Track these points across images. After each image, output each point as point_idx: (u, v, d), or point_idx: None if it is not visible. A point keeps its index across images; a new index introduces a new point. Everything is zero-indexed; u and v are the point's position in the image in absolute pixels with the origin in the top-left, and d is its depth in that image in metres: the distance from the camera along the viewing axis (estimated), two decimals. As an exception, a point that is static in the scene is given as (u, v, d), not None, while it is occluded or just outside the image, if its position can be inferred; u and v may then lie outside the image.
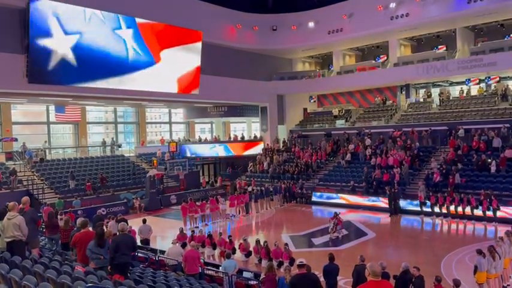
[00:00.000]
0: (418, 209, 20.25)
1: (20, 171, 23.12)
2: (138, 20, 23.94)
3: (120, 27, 23.19)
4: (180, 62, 26.35)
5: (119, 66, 23.60)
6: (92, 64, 22.34)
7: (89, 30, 21.90)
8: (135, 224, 15.99)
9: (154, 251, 12.87)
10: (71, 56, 21.53)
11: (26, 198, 8.59)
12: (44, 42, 20.49)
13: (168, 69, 25.87)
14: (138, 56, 24.28)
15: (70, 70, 21.63)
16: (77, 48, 21.64)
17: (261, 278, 9.37)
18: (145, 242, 14.52)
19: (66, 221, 11.00)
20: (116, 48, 23.21)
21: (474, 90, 28.51)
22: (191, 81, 27.30)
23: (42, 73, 20.77)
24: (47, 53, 20.67)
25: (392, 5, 26.92)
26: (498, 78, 27.21)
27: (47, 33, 20.51)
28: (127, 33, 23.57)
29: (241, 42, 31.15)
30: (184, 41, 26.36)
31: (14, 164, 23.71)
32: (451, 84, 30.21)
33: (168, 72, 25.98)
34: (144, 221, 15.06)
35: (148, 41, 24.62)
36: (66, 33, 21.14)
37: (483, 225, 17.83)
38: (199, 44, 27.02)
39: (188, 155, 31.60)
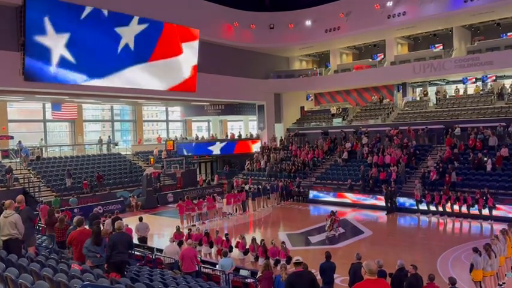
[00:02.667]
0: (415, 207, 20.34)
1: (16, 169, 23.03)
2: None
3: (124, 24, 23.16)
4: (176, 61, 26.28)
5: (114, 63, 23.50)
6: (88, 62, 22.24)
7: (85, 27, 21.79)
8: (131, 222, 15.96)
9: (151, 249, 12.86)
10: (67, 54, 21.43)
11: (21, 197, 8.54)
12: (40, 39, 20.38)
13: (166, 69, 25.82)
14: (132, 53, 24.09)
15: (67, 68, 21.54)
16: (74, 46, 21.55)
17: (258, 276, 9.39)
18: (143, 240, 14.52)
19: (62, 219, 10.95)
20: (112, 46, 23.11)
21: (471, 89, 28.60)
22: (188, 80, 27.23)
23: (38, 71, 20.67)
24: (43, 50, 20.56)
25: (390, 3, 26.93)
26: (494, 77, 27.29)
27: (43, 31, 20.40)
28: (128, 30, 23.51)
29: (239, 40, 31.10)
30: (180, 39, 26.30)
31: (10, 162, 23.60)
32: (448, 82, 30.28)
33: (166, 71, 25.92)
34: (141, 219, 15.08)
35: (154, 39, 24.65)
36: (64, 30, 21.04)
37: (479, 224, 17.92)
38: (196, 43, 26.95)
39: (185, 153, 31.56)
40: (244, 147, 33.10)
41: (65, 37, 21.21)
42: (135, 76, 24.54)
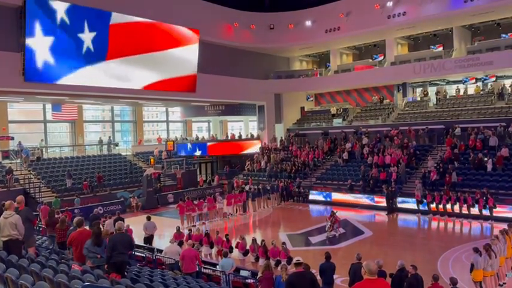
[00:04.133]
0: (415, 207, 20.32)
1: (17, 170, 23.04)
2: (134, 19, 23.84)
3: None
4: (176, 61, 26.27)
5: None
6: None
7: (86, 28, 21.82)
8: (132, 222, 15.98)
9: (151, 249, 12.87)
10: (67, 54, 21.45)
11: (20, 197, 8.54)
12: (40, 40, 20.40)
13: (165, 68, 25.82)
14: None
15: (66, 68, 21.56)
16: (74, 46, 21.57)
17: (258, 276, 9.38)
18: (150, 238, 14.85)
19: (63, 220, 10.95)
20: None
21: (471, 89, 28.59)
22: (188, 80, 27.25)
23: (39, 71, 20.69)
24: (43, 51, 20.57)
25: (390, 3, 26.94)
26: (495, 77, 27.29)
27: (44, 31, 20.42)
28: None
29: (239, 40, 31.12)
30: (180, 40, 26.29)
31: (11, 163, 23.61)
32: (448, 83, 30.27)
33: (166, 71, 25.93)
34: (149, 218, 15.32)
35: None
36: (63, 31, 21.06)
37: (479, 224, 17.90)
38: (196, 43, 26.95)
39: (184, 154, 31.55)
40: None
41: (66, 37, 21.22)
42: (137, 77, 24.54)
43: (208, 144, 32.14)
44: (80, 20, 21.62)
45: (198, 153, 31.47)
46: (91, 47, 22.50)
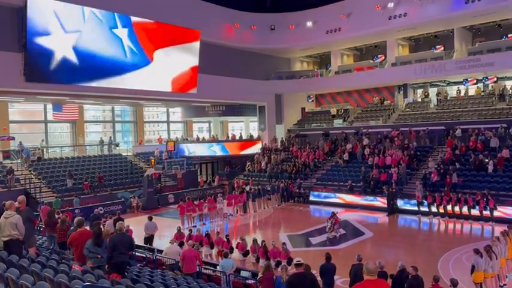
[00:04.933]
0: (416, 208, 20.30)
1: (17, 170, 23.05)
2: (134, 19, 23.85)
3: (116, 26, 23.10)
4: (176, 61, 26.32)
5: (116, 66, 23.55)
6: (90, 63, 22.30)
7: (86, 29, 21.86)
8: (132, 223, 15.99)
9: (151, 250, 12.87)
10: (68, 55, 21.48)
11: (22, 197, 8.56)
12: (41, 40, 20.43)
13: (165, 69, 25.85)
14: (134, 56, 24.20)
15: (68, 69, 21.58)
16: (74, 47, 21.58)
17: (259, 277, 9.38)
18: (151, 238, 14.88)
19: (63, 220, 10.96)
20: (112, 48, 23.16)
21: (472, 90, 28.58)
22: (188, 81, 27.28)
23: (40, 72, 20.72)
24: (44, 51, 20.61)
25: (391, 4, 26.94)
26: (495, 79, 27.29)
27: (45, 32, 20.45)
28: (123, 32, 23.47)
29: (240, 41, 31.14)
30: (181, 40, 26.33)
31: (11, 163, 23.62)
32: (449, 84, 30.27)
33: (165, 71, 25.95)
34: (150, 218, 15.38)
35: (144, 40, 24.52)
36: (64, 31, 21.09)
37: (480, 225, 17.89)
38: (197, 44, 26.99)
39: (186, 154, 31.55)
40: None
41: (66, 38, 21.26)
42: (137, 78, 24.59)
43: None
44: (82, 20, 21.64)
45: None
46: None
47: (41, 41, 20.40)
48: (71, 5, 21.05)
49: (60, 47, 21.13)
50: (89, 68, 22.33)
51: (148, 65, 24.97)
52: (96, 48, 22.41)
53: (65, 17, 20.93)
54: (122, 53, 23.67)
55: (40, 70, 20.71)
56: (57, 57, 21.11)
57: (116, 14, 22.88)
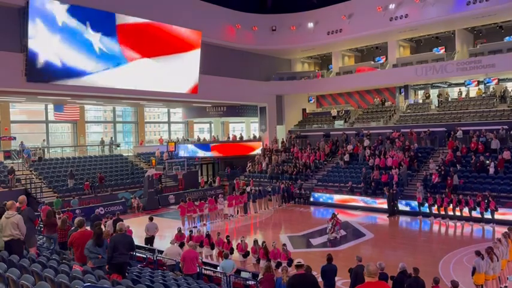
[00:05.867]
0: (417, 210, 20.27)
1: (18, 170, 23.06)
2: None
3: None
4: (179, 66, 26.37)
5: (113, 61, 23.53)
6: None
7: (87, 28, 21.85)
8: (133, 223, 15.98)
9: (152, 250, 12.86)
10: (68, 55, 21.49)
11: (23, 197, 8.58)
12: (42, 40, 20.44)
13: (166, 71, 25.87)
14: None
15: (68, 68, 21.59)
16: (74, 47, 21.60)
17: (259, 278, 9.37)
18: (151, 238, 14.87)
19: (64, 221, 10.97)
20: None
21: (473, 92, 28.57)
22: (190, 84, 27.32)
23: (41, 72, 20.72)
24: (45, 51, 20.61)
25: (392, 6, 26.96)
26: (497, 80, 27.27)
27: (46, 32, 20.45)
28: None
29: (241, 42, 31.16)
30: (183, 48, 26.33)
31: (12, 163, 23.64)
32: (450, 85, 30.26)
33: (166, 73, 25.98)
34: (151, 219, 15.37)
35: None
36: (65, 31, 21.10)
37: (481, 227, 17.85)
38: (197, 51, 26.99)
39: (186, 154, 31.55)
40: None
41: (66, 38, 21.26)
42: (138, 78, 24.59)
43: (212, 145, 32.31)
44: (83, 20, 21.65)
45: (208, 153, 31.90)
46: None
47: (42, 40, 20.40)
48: (72, 5, 21.05)
49: (60, 46, 21.10)
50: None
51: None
52: (94, 48, 22.36)
53: (64, 17, 20.91)
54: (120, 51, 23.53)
55: (41, 70, 20.68)
56: (58, 57, 21.10)
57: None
